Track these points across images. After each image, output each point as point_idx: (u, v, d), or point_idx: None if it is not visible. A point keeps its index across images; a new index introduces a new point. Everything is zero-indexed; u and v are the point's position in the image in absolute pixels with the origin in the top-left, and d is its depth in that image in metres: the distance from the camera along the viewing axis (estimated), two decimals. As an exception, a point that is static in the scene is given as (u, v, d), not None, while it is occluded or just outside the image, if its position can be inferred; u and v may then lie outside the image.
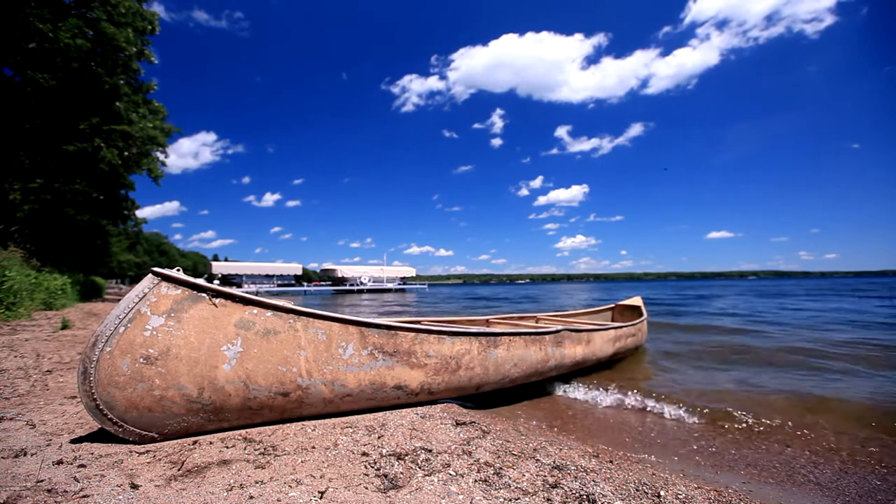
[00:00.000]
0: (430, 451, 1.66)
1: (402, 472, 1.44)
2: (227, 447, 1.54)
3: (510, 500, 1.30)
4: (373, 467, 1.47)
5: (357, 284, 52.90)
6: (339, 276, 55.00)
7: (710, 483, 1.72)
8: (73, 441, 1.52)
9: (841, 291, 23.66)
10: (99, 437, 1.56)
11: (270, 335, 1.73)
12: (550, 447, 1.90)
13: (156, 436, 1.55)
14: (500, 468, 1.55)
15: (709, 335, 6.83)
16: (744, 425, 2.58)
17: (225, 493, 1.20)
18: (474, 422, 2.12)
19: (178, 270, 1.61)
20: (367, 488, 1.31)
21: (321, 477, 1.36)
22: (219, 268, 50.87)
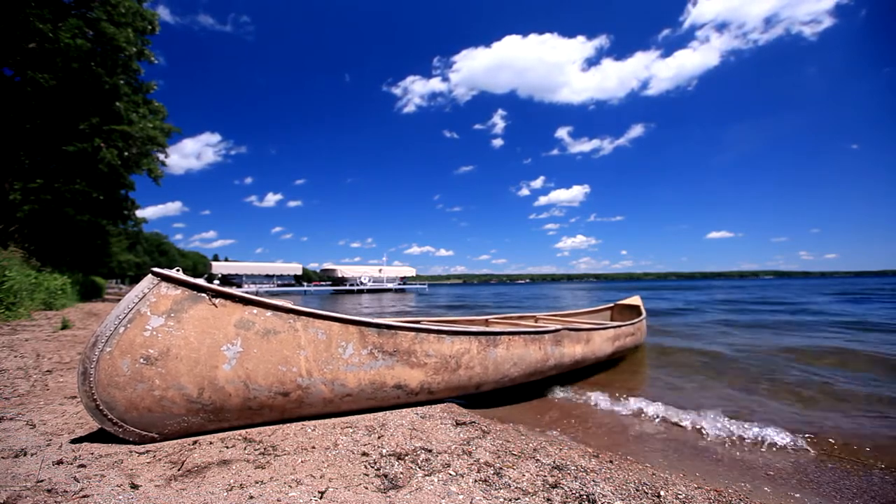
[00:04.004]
0: (430, 451, 1.66)
1: (402, 472, 1.44)
2: (227, 447, 1.55)
3: (510, 500, 1.30)
4: (373, 467, 1.47)
5: (357, 284, 52.89)
6: (339, 276, 54.98)
7: (711, 483, 1.72)
8: (73, 441, 1.52)
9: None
10: (99, 437, 1.56)
11: (270, 335, 1.73)
12: (550, 447, 1.90)
13: (156, 436, 1.55)
14: (500, 468, 1.55)
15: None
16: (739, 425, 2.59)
17: (225, 493, 1.20)
18: (474, 422, 2.12)
19: (178, 270, 1.61)
20: (367, 488, 1.31)
21: (321, 477, 1.36)
22: (219, 268, 50.87)
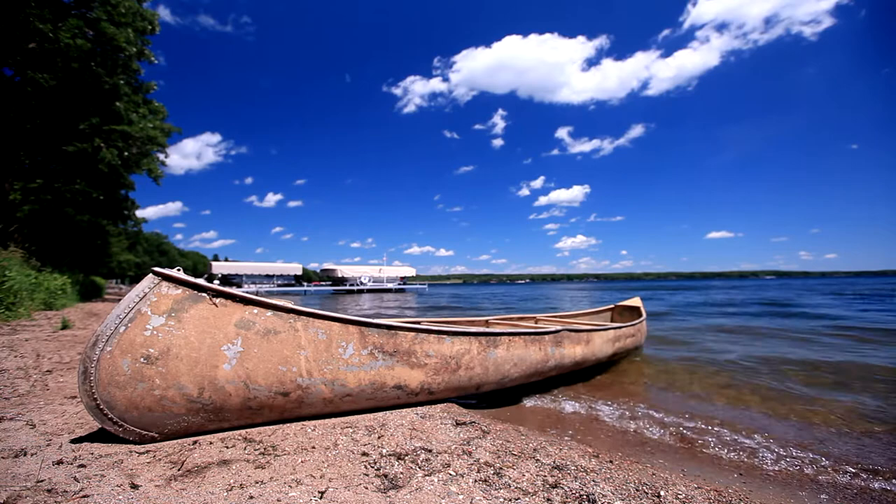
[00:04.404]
0: (430, 451, 1.66)
1: (402, 472, 1.44)
2: (227, 447, 1.55)
3: (510, 500, 1.30)
4: (373, 467, 1.47)
5: (357, 284, 52.90)
6: (339, 276, 55.00)
7: (711, 482, 1.72)
8: (73, 441, 1.52)
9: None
10: (99, 436, 1.56)
11: (271, 335, 1.73)
12: (550, 447, 1.90)
13: (156, 436, 1.55)
14: (500, 468, 1.55)
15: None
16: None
17: (225, 493, 1.20)
18: (474, 422, 2.12)
19: (179, 270, 1.62)
20: (367, 488, 1.31)
21: (321, 477, 1.36)
22: (219, 268, 50.88)
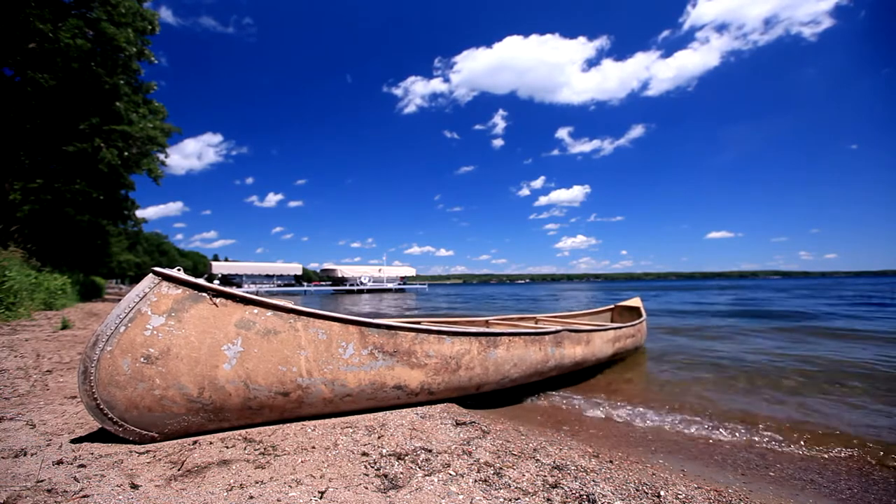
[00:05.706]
0: (430, 451, 1.66)
1: (402, 472, 1.44)
2: (227, 447, 1.55)
3: (510, 500, 1.30)
4: (373, 467, 1.47)
5: (357, 284, 52.94)
6: (339, 276, 55.06)
7: (711, 482, 1.72)
8: (73, 441, 1.52)
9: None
10: (99, 436, 1.56)
11: (271, 335, 1.73)
12: (550, 447, 1.90)
13: (156, 435, 1.55)
14: (500, 468, 1.55)
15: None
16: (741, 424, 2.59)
17: (225, 493, 1.20)
18: (474, 422, 2.12)
19: (179, 270, 1.62)
20: (367, 488, 1.31)
21: (321, 477, 1.36)
22: (219, 268, 50.91)
